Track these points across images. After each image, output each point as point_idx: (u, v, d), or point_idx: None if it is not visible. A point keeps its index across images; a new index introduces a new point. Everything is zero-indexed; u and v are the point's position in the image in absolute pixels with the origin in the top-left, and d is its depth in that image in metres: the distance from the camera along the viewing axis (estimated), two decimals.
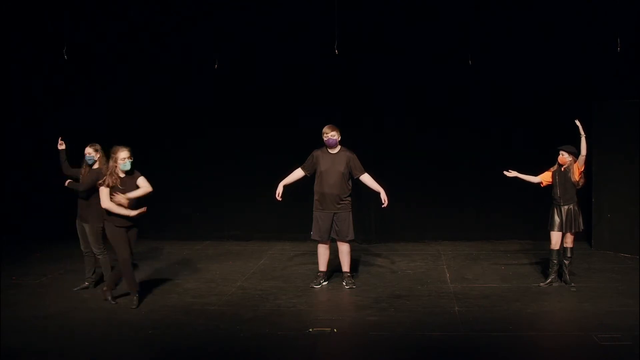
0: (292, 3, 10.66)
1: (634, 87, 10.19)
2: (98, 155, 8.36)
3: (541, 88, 10.99)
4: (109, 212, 7.64)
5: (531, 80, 10.99)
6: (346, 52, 9.58)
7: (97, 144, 8.43)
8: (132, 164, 7.69)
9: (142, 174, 7.82)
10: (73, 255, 9.88)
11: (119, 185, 7.63)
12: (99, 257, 8.44)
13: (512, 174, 8.57)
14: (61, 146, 8.63)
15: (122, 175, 7.68)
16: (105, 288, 8.00)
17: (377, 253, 10.64)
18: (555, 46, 10.67)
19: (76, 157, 8.56)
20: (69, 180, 8.42)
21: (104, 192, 7.61)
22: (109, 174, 7.63)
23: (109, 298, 7.92)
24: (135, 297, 7.82)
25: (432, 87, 11.21)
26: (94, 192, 8.29)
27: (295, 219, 10.82)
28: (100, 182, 7.64)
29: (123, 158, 7.63)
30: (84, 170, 8.40)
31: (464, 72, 10.58)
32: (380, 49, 11.03)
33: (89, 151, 8.37)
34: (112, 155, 7.67)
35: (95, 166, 8.36)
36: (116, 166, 7.64)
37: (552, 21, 10.47)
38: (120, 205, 7.60)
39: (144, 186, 7.76)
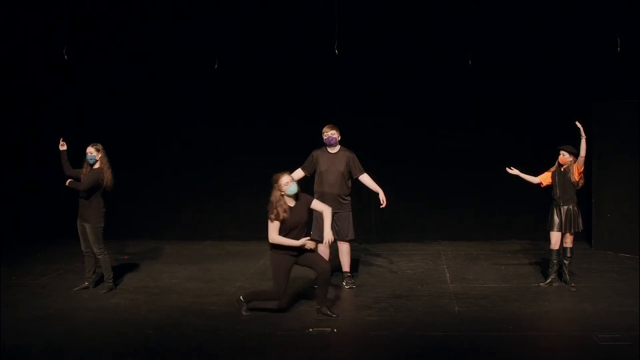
0: (292, 3, 10.67)
1: (634, 87, 10.19)
2: (99, 155, 8.36)
3: (541, 88, 10.99)
4: (276, 245, 7.10)
5: (531, 80, 10.99)
6: (346, 51, 9.58)
7: (98, 144, 8.43)
8: (298, 185, 7.10)
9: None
10: (73, 255, 9.89)
11: (288, 217, 6.98)
12: (99, 257, 8.43)
13: (513, 171, 8.58)
14: (62, 147, 8.56)
15: (290, 203, 7.07)
16: (241, 298, 7.47)
17: (377, 253, 10.64)
18: (555, 46, 10.67)
19: (76, 157, 8.55)
20: (69, 180, 8.40)
21: (272, 226, 7.00)
22: (277, 206, 6.98)
23: (243, 310, 7.40)
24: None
25: (432, 87, 11.21)
26: (94, 191, 8.30)
27: None
28: (270, 216, 6.99)
29: (286, 182, 7.00)
30: (85, 169, 8.40)
31: (463, 72, 10.58)
32: (380, 48, 11.04)
33: (91, 150, 8.36)
34: (274, 185, 7.05)
35: (96, 166, 8.35)
36: (282, 194, 7.03)
37: (552, 21, 10.48)
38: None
39: (322, 209, 7.24)
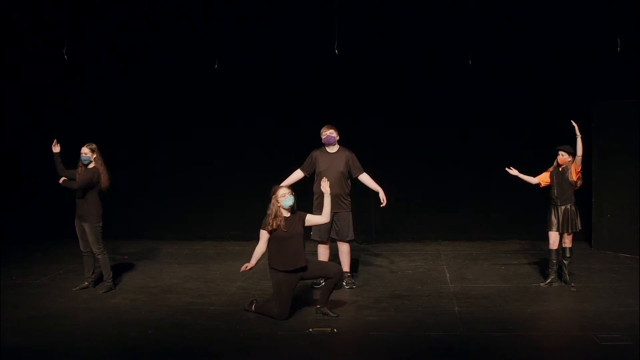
0: (292, 3, 10.67)
1: (634, 87, 10.19)
2: (94, 156, 8.33)
3: (541, 88, 10.99)
4: (273, 263, 7.25)
5: (531, 80, 10.99)
6: (346, 51, 9.57)
7: (93, 144, 8.39)
8: (294, 198, 7.26)
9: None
10: (73, 255, 9.88)
11: (283, 228, 7.18)
12: (98, 257, 8.42)
13: (513, 172, 8.58)
14: (56, 148, 8.44)
15: (286, 214, 7.24)
16: (249, 306, 7.51)
17: (377, 253, 10.64)
18: (555, 46, 10.67)
19: (72, 158, 8.53)
20: (63, 178, 8.31)
21: (262, 235, 7.23)
22: (273, 217, 7.19)
23: (250, 309, 7.48)
24: None
25: (432, 87, 11.21)
26: (89, 190, 8.26)
27: None
28: (266, 227, 7.19)
29: (283, 194, 7.20)
30: (79, 169, 8.37)
31: (463, 71, 10.58)
32: (380, 48, 11.03)
33: (85, 151, 8.32)
34: (272, 196, 7.25)
35: (91, 166, 8.33)
36: (279, 206, 7.21)
37: (551, 21, 10.48)
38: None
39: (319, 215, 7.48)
